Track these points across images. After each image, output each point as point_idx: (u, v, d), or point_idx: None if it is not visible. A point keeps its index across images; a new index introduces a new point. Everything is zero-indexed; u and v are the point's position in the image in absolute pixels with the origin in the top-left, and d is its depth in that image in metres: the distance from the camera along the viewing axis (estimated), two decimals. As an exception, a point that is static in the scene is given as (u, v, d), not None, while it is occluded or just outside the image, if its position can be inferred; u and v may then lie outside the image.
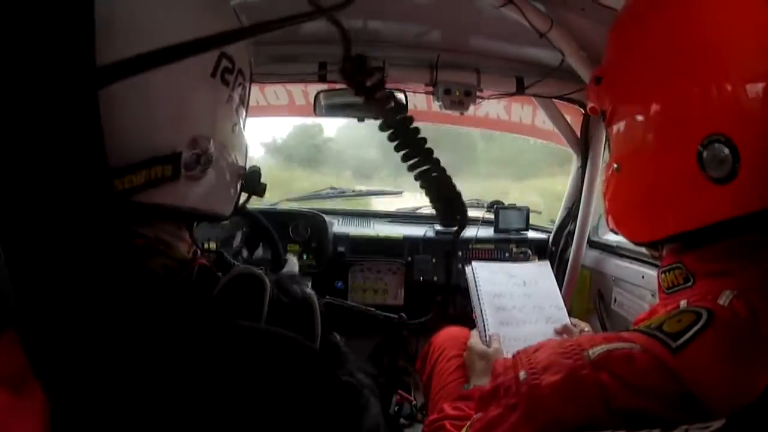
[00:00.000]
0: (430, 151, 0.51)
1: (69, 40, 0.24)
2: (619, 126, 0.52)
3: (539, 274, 1.09)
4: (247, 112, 0.51)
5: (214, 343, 0.34)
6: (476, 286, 1.02)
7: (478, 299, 1.00)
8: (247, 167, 0.54)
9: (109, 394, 0.28)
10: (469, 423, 0.48)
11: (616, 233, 0.56)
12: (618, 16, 0.54)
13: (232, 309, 0.41)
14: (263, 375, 0.34)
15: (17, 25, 0.23)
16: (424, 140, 0.50)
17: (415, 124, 0.50)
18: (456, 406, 0.74)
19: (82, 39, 0.25)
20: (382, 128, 0.49)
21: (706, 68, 0.42)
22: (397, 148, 0.50)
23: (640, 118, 0.48)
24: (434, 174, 0.52)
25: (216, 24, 0.40)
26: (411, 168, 0.51)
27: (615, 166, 0.52)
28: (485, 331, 0.94)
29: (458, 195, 0.55)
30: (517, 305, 1.00)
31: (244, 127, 0.50)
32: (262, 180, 0.59)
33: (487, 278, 1.04)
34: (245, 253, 1.49)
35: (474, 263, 1.07)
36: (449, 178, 0.53)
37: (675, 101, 0.44)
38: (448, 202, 0.55)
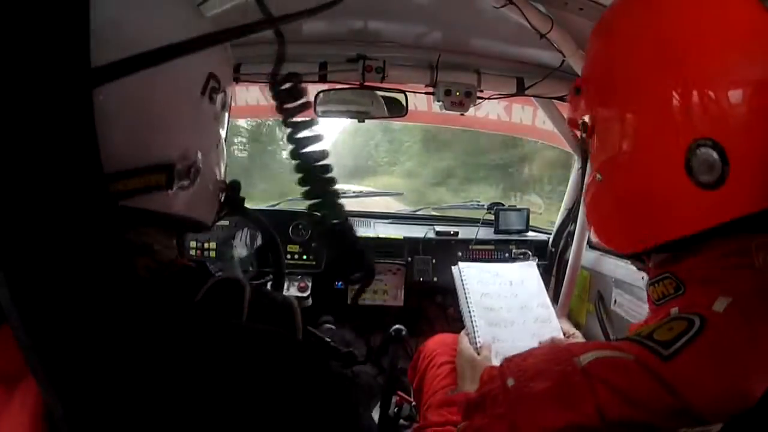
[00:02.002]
0: (336, 194, 0.47)
1: (64, 39, 0.24)
2: (601, 135, 0.50)
3: (525, 274, 1.09)
4: (227, 132, 0.55)
5: (198, 342, 0.34)
6: (463, 286, 1.01)
7: (466, 300, 0.99)
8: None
9: (97, 391, 0.28)
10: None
11: (599, 247, 0.55)
12: (596, 24, 0.53)
13: (213, 311, 0.42)
14: (250, 371, 0.34)
15: (11, 24, 0.23)
16: (333, 180, 0.46)
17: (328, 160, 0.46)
18: (439, 413, 0.74)
19: (77, 39, 0.25)
20: (296, 169, 0.46)
21: (689, 73, 0.41)
22: (306, 194, 0.46)
23: (622, 125, 0.47)
24: (345, 230, 0.47)
25: (204, 28, 0.41)
26: (311, 207, 0.46)
27: (598, 176, 0.51)
28: (474, 332, 0.93)
29: (358, 250, 0.49)
30: (505, 305, 0.99)
31: (224, 144, 0.53)
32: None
33: (473, 278, 1.03)
34: (243, 253, 1.49)
35: (460, 264, 1.07)
36: (351, 229, 0.48)
37: (658, 107, 0.43)
38: (344, 256, 0.49)
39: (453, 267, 1.07)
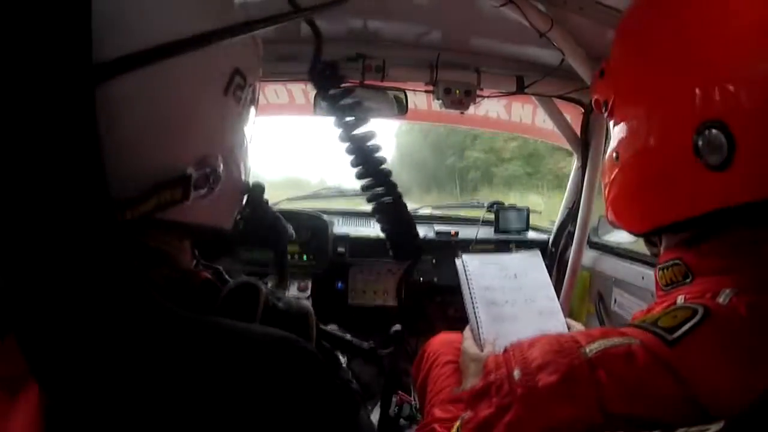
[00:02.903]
0: (394, 185, 0.49)
1: (65, 35, 0.24)
2: (619, 116, 0.52)
3: (530, 264, 1.07)
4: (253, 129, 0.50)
5: (210, 345, 0.33)
6: (467, 279, 0.99)
7: (470, 294, 0.97)
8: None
9: (108, 399, 0.28)
10: (458, 423, 0.46)
11: (615, 226, 0.56)
12: (625, 12, 0.55)
13: (230, 316, 0.41)
14: (263, 376, 0.34)
15: (11, 21, 0.22)
16: (389, 172, 0.49)
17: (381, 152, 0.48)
18: (445, 409, 0.73)
19: (78, 34, 0.25)
20: (348, 151, 0.47)
21: (704, 57, 0.42)
22: (358, 175, 0.48)
23: (638, 106, 0.49)
24: (396, 207, 0.50)
25: (216, 23, 0.38)
26: (371, 198, 0.49)
27: (614, 155, 0.53)
28: (478, 328, 0.92)
29: (413, 231, 0.52)
30: (509, 299, 0.98)
31: (250, 143, 0.49)
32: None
33: (477, 271, 1.01)
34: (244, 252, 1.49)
35: (464, 255, 1.04)
36: (406, 210, 0.51)
37: (672, 89, 0.44)
38: (400, 236, 0.53)
39: (456, 259, 1.04)
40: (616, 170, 0.53)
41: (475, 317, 0.93)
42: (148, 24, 0.35)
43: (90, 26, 0.25)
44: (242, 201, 0.50)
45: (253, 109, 0.48)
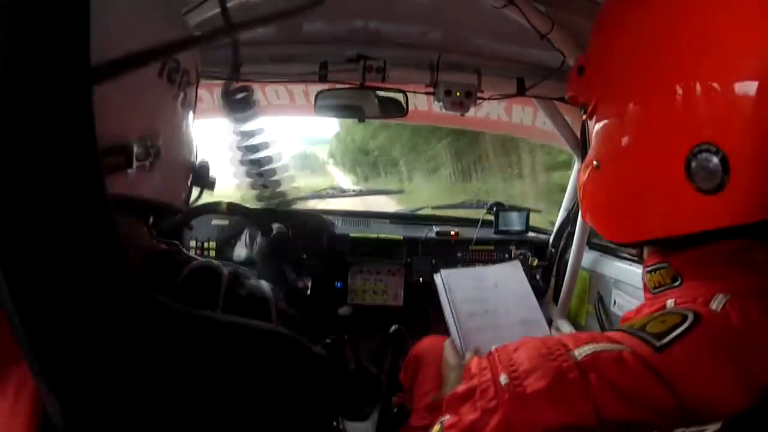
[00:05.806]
0: (284, 194, 0.55)
1: (64, 37, 0.24)
2: (602, 123, 0.50)
3: (510, 275, 1.07)
4: (195, 110, 0.55)
5: (190, 335, 0.34)
6: (447, 294, 1.00)
7: (450, 307, 0.97)
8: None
9: (87, 381, 0.28)
10: (438, 426, 0.44)
11: (598, 248, 0.55)
12: (606, 4, 0.51)
13: (191, 299, 0.42)
14: (251, 367, 0.35)
15: (12, 21, 0.23)
16: (280, 182, 0.54)
17: None
18: (421, 416, 0.73)
19: (77, 36, 0.25)
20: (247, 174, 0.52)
21: (696, 72, 0.40)
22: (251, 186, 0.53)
23: (625, 118, 0.46)
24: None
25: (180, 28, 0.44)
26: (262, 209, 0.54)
27: (595, 163, 0.51)
28: (459, 338, 0.92)
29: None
30: (490, 309, 0.98)
31: (192, 124, 0.54)
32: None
33: (457, 285, 1.02)
34: (243, 253, 1.49)
35: (443, 271, 1.04)
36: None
37: (664, 105, 0.43)
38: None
39: (435, 275, 1.05)
40: (597, 179, 0.51)
41: (456, 328, 0.93)
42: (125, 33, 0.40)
43: (88, 31, 0.25)
44: (188, 179, 0.54)
45: (191, 92, 0.52)
